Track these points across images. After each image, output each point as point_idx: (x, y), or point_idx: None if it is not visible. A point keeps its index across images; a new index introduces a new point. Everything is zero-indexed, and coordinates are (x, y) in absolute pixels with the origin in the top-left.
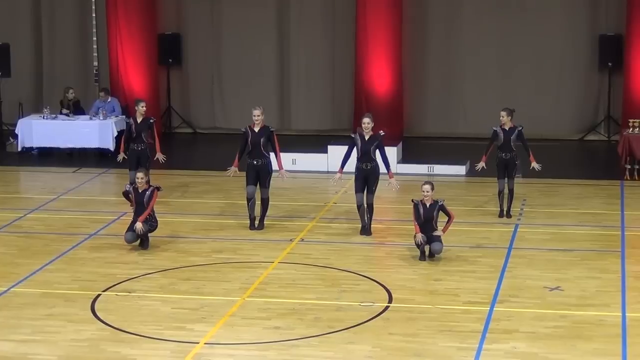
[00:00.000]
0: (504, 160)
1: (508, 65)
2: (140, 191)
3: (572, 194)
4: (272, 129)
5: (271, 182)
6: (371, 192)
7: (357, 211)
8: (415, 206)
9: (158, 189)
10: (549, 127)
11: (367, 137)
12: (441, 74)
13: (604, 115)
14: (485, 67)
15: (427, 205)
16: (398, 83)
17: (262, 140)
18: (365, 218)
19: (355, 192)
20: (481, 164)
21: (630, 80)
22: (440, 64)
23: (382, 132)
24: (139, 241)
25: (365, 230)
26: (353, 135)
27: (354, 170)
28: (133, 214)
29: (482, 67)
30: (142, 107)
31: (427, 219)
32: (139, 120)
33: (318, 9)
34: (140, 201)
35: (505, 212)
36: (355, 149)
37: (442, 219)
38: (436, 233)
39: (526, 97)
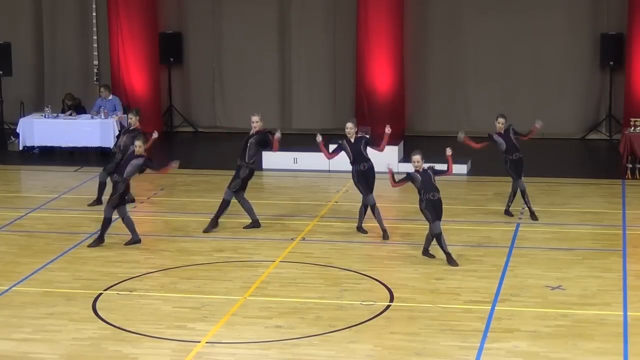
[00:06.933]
0: (514, 161)
1: (509, 63)
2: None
3: (574, 193)
4: (266, 131)
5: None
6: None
7: (359, 210)
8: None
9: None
10: (550, 126)
11: (353, 140)
12: (442, 72)
13: (606, 114)
14: (486, 65)
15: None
16: (399, 81)
17: (249, 142)
18: (363, 218)
19: (366, 195)
20: (462, 135)
21: (632, 79)
22: (441, 63)
23: (366, 134)
24: (131, 239)
25: (362, 229)
26: (340, 142)
27: (351, 176)
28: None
29: (483, 66)
30: (130, 118)
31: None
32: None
33: (319, 8)
34: (125, 163)
35: (530, 213)
36: (346, 153)
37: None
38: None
39: (528, 95)
